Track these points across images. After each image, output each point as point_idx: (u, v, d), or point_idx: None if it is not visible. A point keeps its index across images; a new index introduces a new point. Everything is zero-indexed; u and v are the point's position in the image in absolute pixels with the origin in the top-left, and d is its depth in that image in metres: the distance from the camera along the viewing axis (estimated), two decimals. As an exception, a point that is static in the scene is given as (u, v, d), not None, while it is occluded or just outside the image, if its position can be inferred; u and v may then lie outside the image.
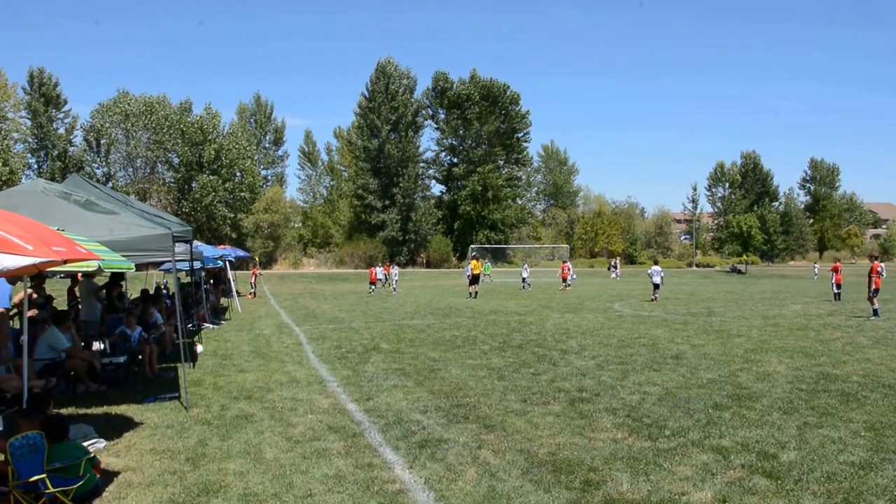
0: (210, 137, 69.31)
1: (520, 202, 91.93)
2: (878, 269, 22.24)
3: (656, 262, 32.75)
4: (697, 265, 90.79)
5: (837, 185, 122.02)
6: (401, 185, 78.12)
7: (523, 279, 43.44)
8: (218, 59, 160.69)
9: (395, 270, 42.83)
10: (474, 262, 33.64)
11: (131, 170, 70.69)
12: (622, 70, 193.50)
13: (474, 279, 32.63)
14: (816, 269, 64.42)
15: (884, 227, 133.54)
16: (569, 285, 41.33)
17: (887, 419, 8.33)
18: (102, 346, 12.18)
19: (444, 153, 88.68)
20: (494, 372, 11.83)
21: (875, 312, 21.57)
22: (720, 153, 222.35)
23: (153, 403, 9.67)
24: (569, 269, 42.67)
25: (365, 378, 11.39)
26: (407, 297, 33.60)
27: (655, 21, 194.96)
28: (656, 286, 30.31)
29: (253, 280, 35.84)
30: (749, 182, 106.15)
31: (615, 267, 65.31)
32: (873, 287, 21.92)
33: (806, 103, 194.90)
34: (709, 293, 36.57)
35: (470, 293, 32.21)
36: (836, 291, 29.21)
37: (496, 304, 28.49)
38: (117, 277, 15.58)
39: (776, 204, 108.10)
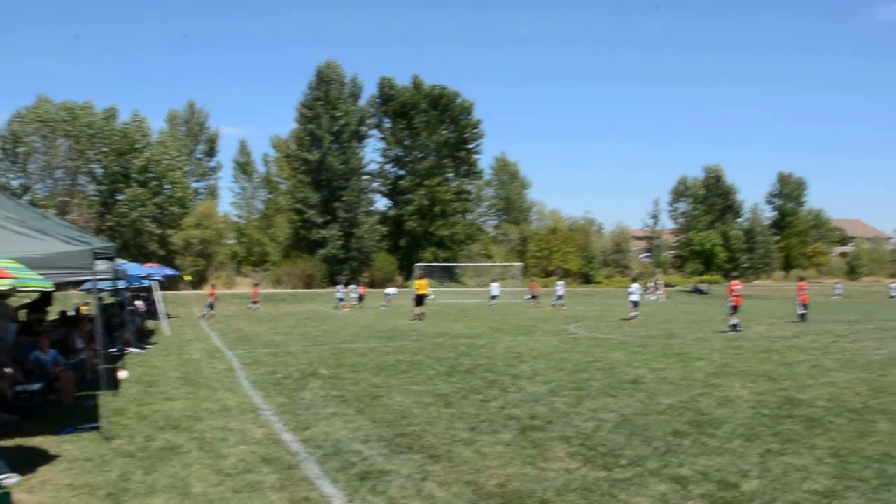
0: (138, 147, 68.32)
1: (469, 217, 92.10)
2: (734, 288, 25.60)
3: (634, 281, 33.60)
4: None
5: (804, 200, 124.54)
6: (343, 199, 77.64)
7: (559, 297, 44.81)
8: (145, 64, 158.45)
9: (344, 289, 45.40)
10: (419, 281, 33.74)
11: (50, 181, 69.31)
12: (578, 76, 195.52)
13: (419, 300, 32.67)
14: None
15: (851, 244, 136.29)
16: (555, 305, 42.90)
17: (852, 445, 8.54)
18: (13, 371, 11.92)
19: (389, 165, 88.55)
20: (441, 398, 11.85)
21: (733, 328, 24.53)
22: (683, 166, 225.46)
23: (71, 434, 9.47)
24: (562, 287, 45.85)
25: (302, 406, 11.33)
26: (348, 319, 33.51)
27: (613, 25, 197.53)
28: (635, 304, 31.34)
29: (211, 300, 36.53)
30: (712, 197, 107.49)
31: (656, 287, 64.97)
32: (732, 304, 25.06)
33: (770, 112, 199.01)
34: (669, 314, 37.09)
35: (415, 315, 32.21)
36: (801, 312, 29.83)
37: (444, 326, 28.54)
38: (45, 299, 15.28)
39: (740, 220, 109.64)
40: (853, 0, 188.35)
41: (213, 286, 41.83)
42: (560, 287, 45.54)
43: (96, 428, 9.79)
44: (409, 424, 9.86)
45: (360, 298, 47.28)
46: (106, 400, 10.05)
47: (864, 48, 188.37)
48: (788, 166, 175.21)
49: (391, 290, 47.61)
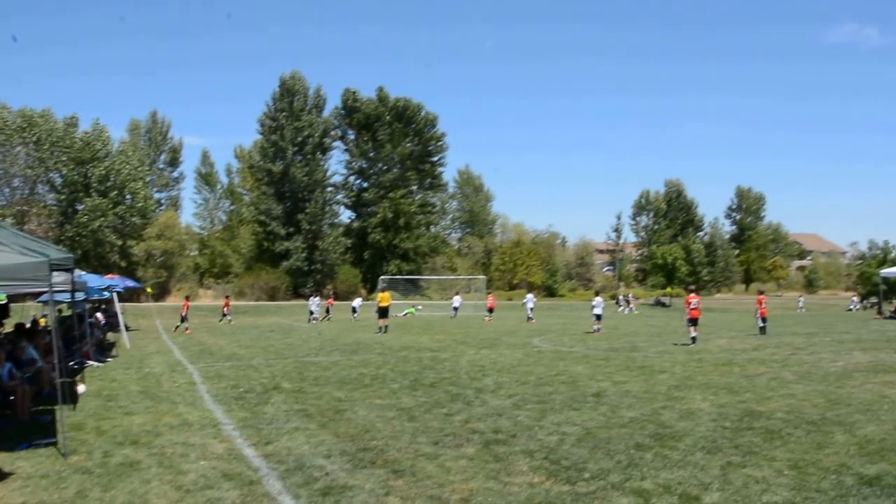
0: (99, 156, 67.51)
1: (434, 230, 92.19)
2: (691, 301, 25.75)
3: (598, 294, 33.68)
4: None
5: (763, 214, 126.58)
6: (307, 210, 77.46)
7: (530, 308, 44.75)
8: (107, 70, 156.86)
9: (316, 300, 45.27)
10: (382, 294, 33.70)
11: (8, 190, 68.21)
12: (541, 92, 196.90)
13: (383, 312, 32.59)
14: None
15: (808, 258, 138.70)
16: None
17: (810, 457, 8.63)
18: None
19: (353, 177, 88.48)
20: (404, 412, 11.79)
21: (693, 340, 24.81)
22: (645, 182, 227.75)
23: (26, 451, 9.27)
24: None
25: (264, 420, 11.21)
26: (312, 332, 33.34)
27: (576, 40, 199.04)
28: (598, 317, 31.39)
29: (184, 312, 36.12)
30: (673, 211, 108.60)
31: (627, 301, 66.42)
32: (689, 316, 25.42)
33: (732, 127, 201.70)
34: (632, 327, 37.30)
35: (379, 327, 32.13)
36: (761, 325, 30.18)
37: (408, 339, 28.47)
38: (2, 311, 15.02)
39: (701, 234, 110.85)
40: (809, 15, 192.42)
41: (188, 298, 41.27)
42: (530, 300, 45.63)
43: (53, 443, 9.61)
44: (373, 439, 9.79)
45: (327, 311, 47.05)
46: (63, 414, 9.87)
47: (819, 64, 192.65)
48: (747, 181, 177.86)
49: (357, 302, 47.48)
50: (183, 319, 35.73)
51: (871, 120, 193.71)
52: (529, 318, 42.96)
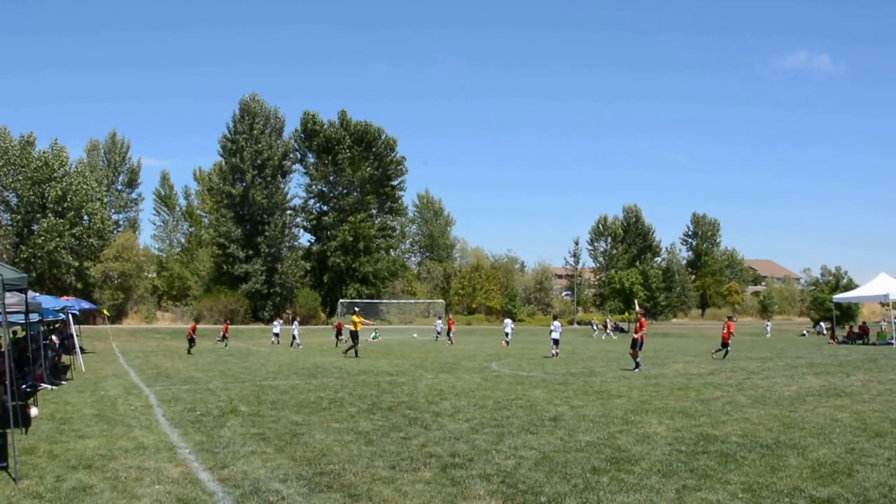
0: (56, 175, 66.63)
1: (393, 254, 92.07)
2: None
3: (555, 318, 33.76)
4: (579, 322, 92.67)
5: (718, 240, 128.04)
6: (266, 233, 77.05)
7: (507, 334, 44.76)
8: (67, 94, 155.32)
9: (295, 325, 45.03)
10: (355, 317, 33.53)
11: (-39, 209, 67.13)
12: (499, 124, 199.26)
13: (355, 336, 32.32)
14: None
15: (763, 283, 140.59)
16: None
17: (764, 480, 8.71)
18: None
19: (312, 200, 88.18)
20: (362, 436, 11.73)
21: (637, 366, 24.46)
22: (603, 208, 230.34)
23: (-24, 475, 9.12)
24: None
25: (220, 444, 11.09)
26: (270, 356, 33.08)
27: (533, 73, 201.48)
28: (556, 342, 31.54)
29: (190, 336, 36.44)
30: (631, 236, 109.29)
31: (605, 326, 67.13)
32: (639, 341, 25.18)
33: (687, 156, 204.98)
34: (590, 352, 37.37)
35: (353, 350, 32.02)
36: (718, 349, 30.50)
37: (366, 363, 28.35)
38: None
39: (658, 259, 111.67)
40: (755, 50, 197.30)
41: (196, 321, 41.20)
42: (508, 325, 45.78)
43: (3, 468, 9.41)
44: (330, 463, 9.72)
45: (338, 333, 46.55)
46: (14, 438, 9.68)
47: (765, 97, 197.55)
48: (702, 209, 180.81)
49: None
50: (191, 342, 35.69)
51: (822, 162, 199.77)
52: (506, 343, 43.08)
